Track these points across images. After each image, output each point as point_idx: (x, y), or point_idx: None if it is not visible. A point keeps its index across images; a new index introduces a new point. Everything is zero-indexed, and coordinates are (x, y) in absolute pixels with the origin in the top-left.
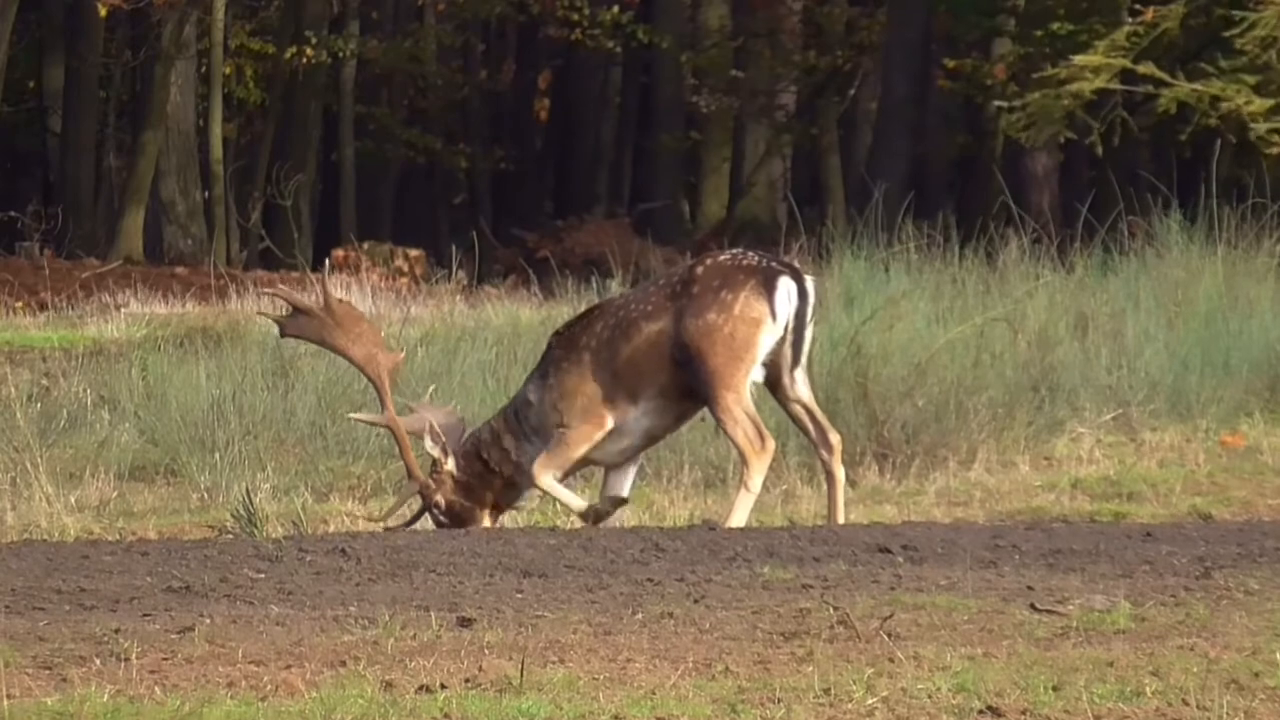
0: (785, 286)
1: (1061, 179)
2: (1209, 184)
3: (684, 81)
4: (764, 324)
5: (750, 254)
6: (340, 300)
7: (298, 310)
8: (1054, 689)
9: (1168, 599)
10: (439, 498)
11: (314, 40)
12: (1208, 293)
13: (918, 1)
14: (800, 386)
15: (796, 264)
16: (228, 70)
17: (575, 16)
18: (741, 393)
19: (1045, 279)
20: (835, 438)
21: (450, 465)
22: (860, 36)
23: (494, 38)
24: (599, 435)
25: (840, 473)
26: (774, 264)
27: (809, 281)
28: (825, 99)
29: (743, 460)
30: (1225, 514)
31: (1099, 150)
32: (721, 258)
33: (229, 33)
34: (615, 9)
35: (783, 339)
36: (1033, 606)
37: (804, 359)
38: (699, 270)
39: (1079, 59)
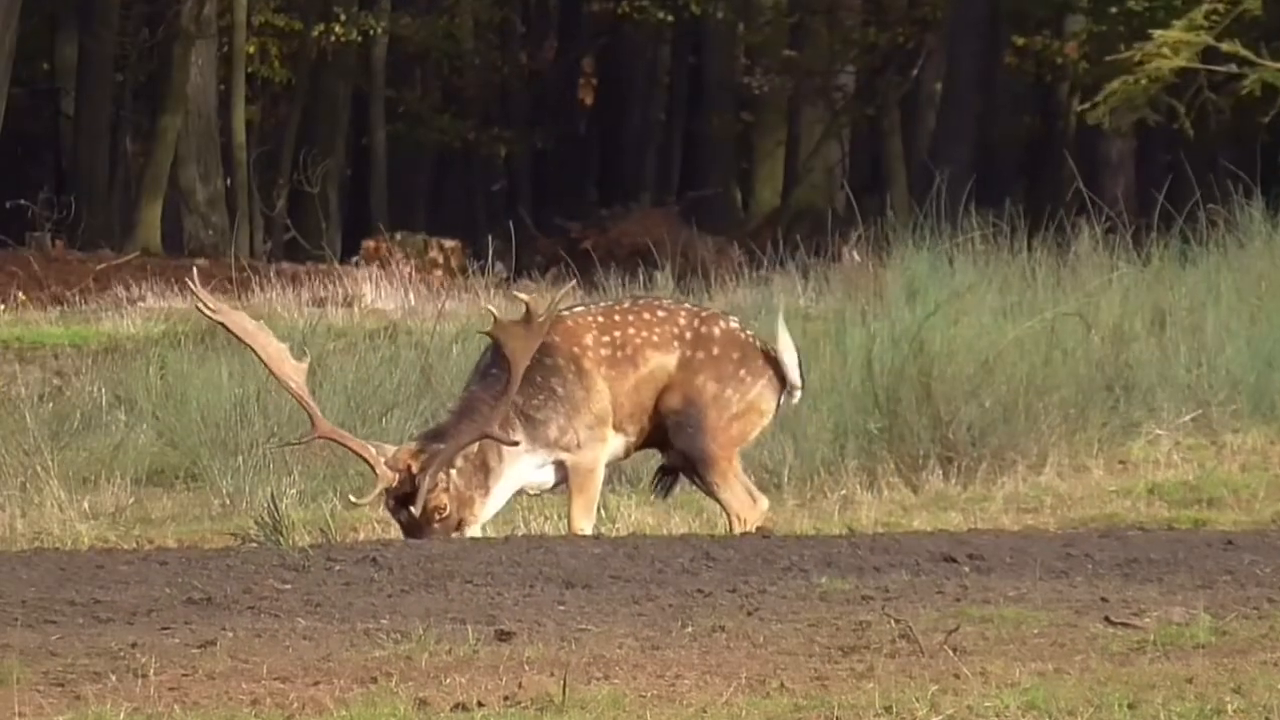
0: (789, 389)
1: (1137, 164)
2: None
3: (736, 61)
4: (768, 418)
5: (751, 333)
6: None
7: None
8: (1129, 707)
9: (1250, 611)
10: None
11: (343, 17)
12: None
13: None
14: None
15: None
16: (251, 49)
17: None
18: (735, 458)
19: (1120, 271)
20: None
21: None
22: (923, 12)
23: (535, 14)
24: (606, 457)
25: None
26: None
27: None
28: (886, 79)
29: (735, 521)
30: None
31: (1190, 134)
32: (733, 325)
33: (253, 9)
34: None
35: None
36: (1107, 619)
37: None
38: (717, 331)
39: (1159, 34)
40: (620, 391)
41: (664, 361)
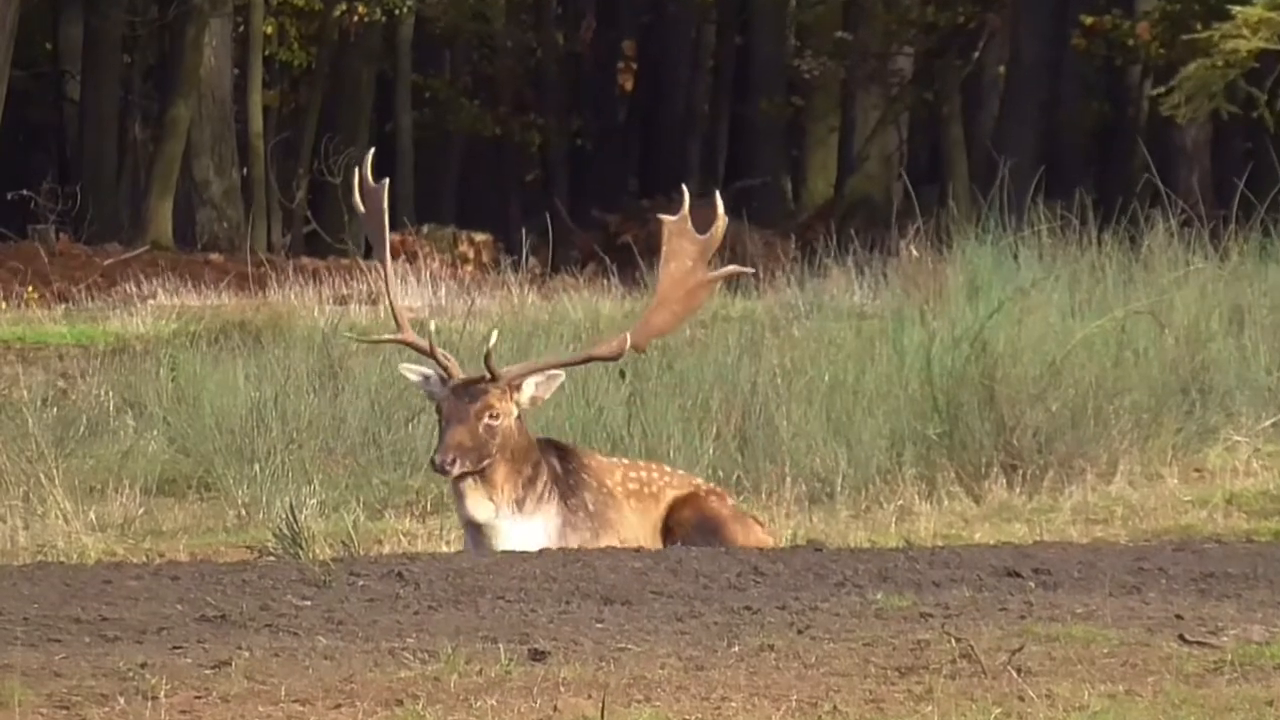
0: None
1: (1214, 152)
2: None
3: (786, 42)
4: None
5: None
6: None
7: None
8: None
9: None
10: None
11: None
12: None
13: None
14: None
15: None
16: (269, 30)
17: None
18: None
19: (1196, 266)
20: None
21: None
22: None
23: None
24: None
25: None
26: None
27: None
28: (946, 61)
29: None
30: None
31: (1269, 123)
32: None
33: None
34: None
35: None
36: (1182, 638)
37: None
38: (729, 499)
39: (1240, 11)
40: (645, 527)
41: (678, 495)
